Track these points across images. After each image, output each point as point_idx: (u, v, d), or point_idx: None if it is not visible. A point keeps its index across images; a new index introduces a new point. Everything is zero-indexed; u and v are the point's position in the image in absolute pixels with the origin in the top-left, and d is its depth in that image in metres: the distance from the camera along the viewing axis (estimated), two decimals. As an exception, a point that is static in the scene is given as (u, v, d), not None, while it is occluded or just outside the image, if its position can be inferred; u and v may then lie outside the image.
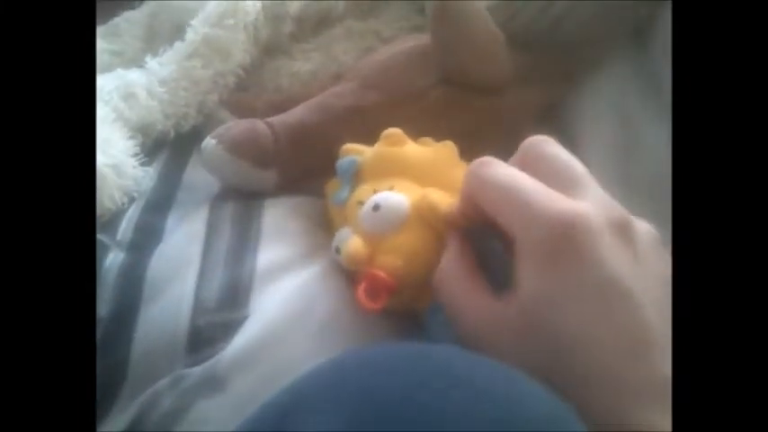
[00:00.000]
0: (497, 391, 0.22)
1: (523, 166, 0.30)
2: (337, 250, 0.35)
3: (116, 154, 0.41)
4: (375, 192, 0.35)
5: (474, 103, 0.42)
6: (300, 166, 0.41)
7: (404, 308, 0.34)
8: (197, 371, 0.33)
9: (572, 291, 0.26)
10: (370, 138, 0.38)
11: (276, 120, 0.42)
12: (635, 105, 0.43)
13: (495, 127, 0.43)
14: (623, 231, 0.27)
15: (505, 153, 0.32)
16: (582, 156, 0.31)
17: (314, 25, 0.53)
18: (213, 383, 0.32)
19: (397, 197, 0.34)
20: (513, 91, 0.43)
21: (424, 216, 0.33)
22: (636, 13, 0.44)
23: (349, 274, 0.35)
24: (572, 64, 0.45)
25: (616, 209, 0.28)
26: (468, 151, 0.37)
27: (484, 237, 0.33)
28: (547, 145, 0.31)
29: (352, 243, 0.33)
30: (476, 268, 0.31)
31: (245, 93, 0.50)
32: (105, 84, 0.46)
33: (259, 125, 0.41)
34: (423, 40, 0.44)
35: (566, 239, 0.26)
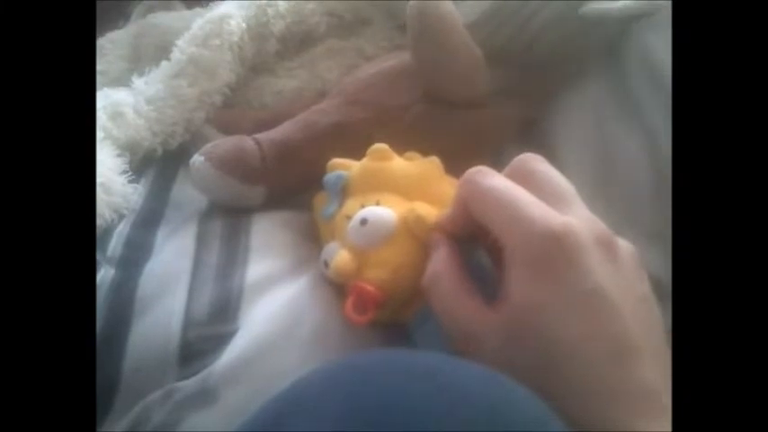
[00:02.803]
0: (481, 395, 0.23)
1: (513, 181, 0.31)
2: (326, 264, 0.36)
3: (105, 172, 0.41)
4: (362, 206, 0.36)
5: (454, 119, 0.43)
6: (287, 182, 0.42)
7: (391, 319, 0.35)
8: (188, 384, 0.33)
9: (561, 299, 0.27)
10: (354, 153, 0.39)
11: (263, 136, 0.43)
12: (610, 120, 0.44)
13: (476, 141, 0.44)
14: (607, 247, 0.29)
15: (486, 167, 0.33)
16: (560, 168, 0.32)
17: (298, 44, 0.54)
18: (204, 397, 0.32)
19: (383, 211, 0.35)
20: (492, 107, 0.44)
21: (412, 229, 0.34)
22: (610, 31, 0.45)
23: (337, 287, 0.36)
24: (549, 80, 0.46)
25: (600, 226, 0.30)
26: (450, 165, 0.38)
27: (469, 249, 0.34)
28: (537, 162, 0.32)
29: (340, 257, 0.34)
30: (465, 274, 0.31)
31: (230, 110, 0.50)
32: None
33: (246, 142, 0.42)
34: (404, 57, 0.45)
35: (556, 250, 0.28)
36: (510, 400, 0.24)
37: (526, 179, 0.31)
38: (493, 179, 0.31)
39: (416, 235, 0.34)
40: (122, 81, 0.51)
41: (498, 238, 0.30)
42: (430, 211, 0.34)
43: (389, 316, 0.35)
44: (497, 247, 0.30)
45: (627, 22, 0.44)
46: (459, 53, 0.42)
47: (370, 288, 0.33)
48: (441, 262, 0.32)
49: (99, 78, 0.55)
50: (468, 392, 0.23)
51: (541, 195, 0.30)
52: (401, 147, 0.39)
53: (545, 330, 0.27)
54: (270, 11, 0.52)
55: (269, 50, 0.53)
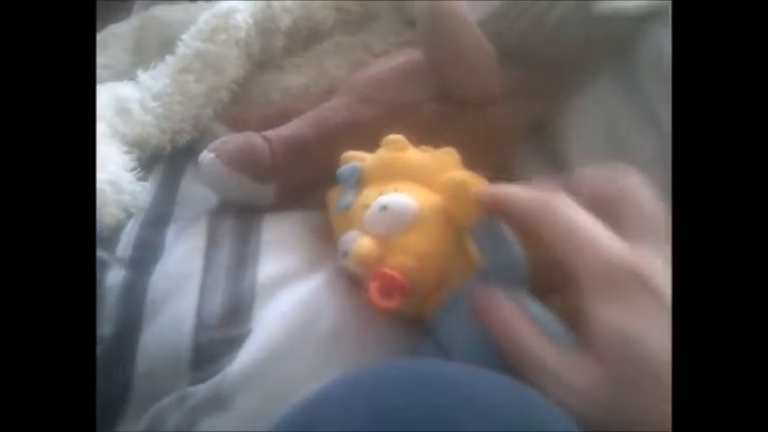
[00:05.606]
0: (503, 406, 0.23)
1: (599, 196, 0.31)
2: (344, 254, 0.34)
3: (113, 169, 0.41)
4: (381, 194, 0.35)
5: (466, 118, 0.43)
6: (298, 180, 0.42)
7: (412, 311, 0.34)
8: (201, 389, 0.33)
9: (645, 319, 0.27)
10: (365, 151, 0.39)
11: (272, 133, 0.42)
12: (623, 119, 0.44)
13: (488, 140, 0.43)
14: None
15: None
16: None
17: (304, 39, 0.54)
18: (218, 401, 0.32)
19: (404, 198, 0.34)
20: (504, 105, 0.44)
21: (453, 194, 0.33)
22: (623, 29, 0.45)
23: (353, 283, 0.35)
24: (562, 78, 0.46)
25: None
26: (462, 164, 0.38)
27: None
28: (629, 180, 0.31)
29: (360, 243, 0.33)
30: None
31: (238, 106, 0.50)
32: (98, 97, 0.45)
33: (256, 139, 0.41)
34: (415, 55, 0.45)
35: (634, 277, 0.27)
36: (532, 412, 0.24)
37: (616, 201, 0.31)
38: (571, 210, 0.30)
39: (457, 204, 0.33)
40: (127, 74, 0.50)
41: (568, 268, 0.29)
42: (471, 177, 0.33)
43: (411, 307, 0.34)
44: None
45: (640, 21, 0.44)
46: (472, 51, 0.42)
47: (396, 274, 0.32)
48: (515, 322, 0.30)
49: (103, 72, 0.54)
50: (490, 404, 0.23)
51: (629, 227, 0.29)
52: (413, 145, 0.39)
53: (639, 351, 0.27)
54: (276, 5, 0.51)
55: (276, 46, 0.52)
